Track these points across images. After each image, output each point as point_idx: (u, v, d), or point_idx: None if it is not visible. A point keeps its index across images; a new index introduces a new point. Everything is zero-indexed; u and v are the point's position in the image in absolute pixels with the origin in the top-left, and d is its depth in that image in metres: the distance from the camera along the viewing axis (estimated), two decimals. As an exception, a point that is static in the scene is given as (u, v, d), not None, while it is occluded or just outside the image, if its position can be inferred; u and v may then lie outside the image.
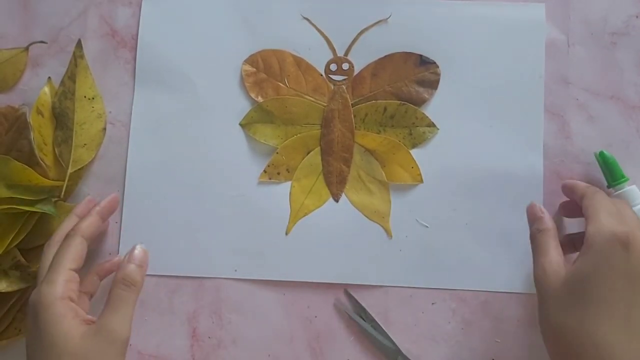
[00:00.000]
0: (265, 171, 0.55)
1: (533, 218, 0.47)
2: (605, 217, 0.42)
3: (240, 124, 0.55)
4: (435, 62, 0.55)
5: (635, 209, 0.49)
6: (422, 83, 0.55)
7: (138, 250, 0.47)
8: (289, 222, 0.54)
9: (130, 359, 0.53)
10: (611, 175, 0.51)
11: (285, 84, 0.56)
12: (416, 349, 0.52)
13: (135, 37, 0.57)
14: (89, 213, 0.50)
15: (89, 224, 0.49)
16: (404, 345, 0.52)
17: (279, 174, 0.55)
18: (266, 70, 0.56)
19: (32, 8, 0.58)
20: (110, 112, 0.56)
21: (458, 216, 0.54)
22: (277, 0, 0.57)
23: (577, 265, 0.42)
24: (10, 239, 0.51)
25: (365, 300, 0.53)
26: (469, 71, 0.55)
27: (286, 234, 0.54)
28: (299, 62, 0.56)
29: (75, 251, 0.47)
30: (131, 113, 0.56)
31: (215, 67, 0.56)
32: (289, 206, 0.54)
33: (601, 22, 0.55)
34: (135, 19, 0.57)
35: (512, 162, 0.54)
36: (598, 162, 0.52)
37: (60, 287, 0.44)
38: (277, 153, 0.55)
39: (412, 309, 0.53)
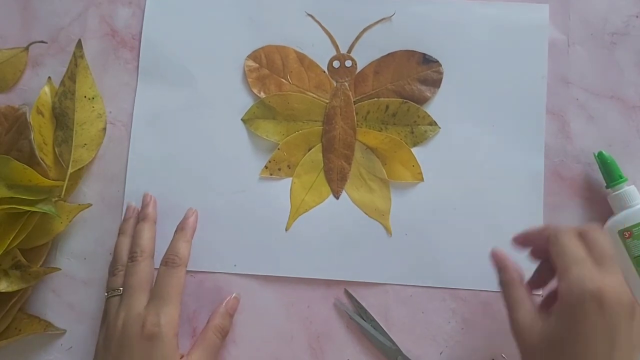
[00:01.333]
0: (266, 167, 0.55)
1: (497, 267, 0.47)
2: (575, 270, 0.41)
3: (242, 120, 0.55)
4: (438, 61, 0.55)
5: (634, 209, 0.49)
6: (424, 82, 0.55)
7: (234, 300, 0.53)
8: (289, 219, 0.54)
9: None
10: (609, 176, 0.51)
11: (287, 80, 0.56)
12: (416, 349, 0.52)
13: (135, 37, 0.57)
14: (182, 238, 0.51)
15: (189, 252, 0.51)
16: (404, 345, 0.52)
17: (279, 170, 0.55)
18: (269, 66, 0.56)
19: (32, 8, 0.58)
20: (110, 112, 0.56)
21: (458, 215, 0.54)
22: None
23: (554, 324, 0.41)
24: (11, 239, 0.50)
25: (365, 300, 0.53)
26: (472, 70, 0.55)
27: (286, 230, 0.54)
28: (301, 58, 0.56)
29: (183, 283, 0.50)
30: (132, 113, 0.56)
31: (218, 62, 0.56)
32: (290, 202, 0.54)
33: (601, 22, 0.56)
34: (136, 19, 0.57)
35: (513, 162, 0.54)
36: (597, 162, 0.52)
37: (177, 323, 0.48)
38: (279, 149, 0.55)
39: (412, 309, 0.53)
